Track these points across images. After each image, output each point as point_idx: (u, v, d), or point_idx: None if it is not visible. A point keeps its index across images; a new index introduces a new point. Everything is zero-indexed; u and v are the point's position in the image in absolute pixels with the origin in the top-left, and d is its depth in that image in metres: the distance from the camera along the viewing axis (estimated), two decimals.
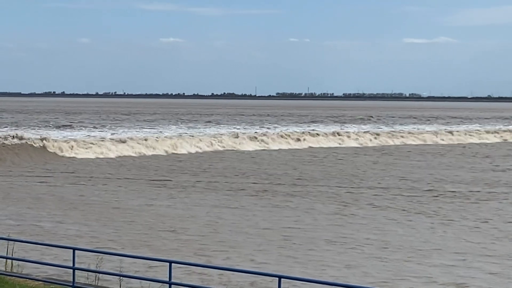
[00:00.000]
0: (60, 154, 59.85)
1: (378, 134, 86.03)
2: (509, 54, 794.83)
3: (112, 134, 77.25)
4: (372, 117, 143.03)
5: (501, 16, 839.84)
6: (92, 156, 60.58)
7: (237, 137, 75.59)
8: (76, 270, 15.94)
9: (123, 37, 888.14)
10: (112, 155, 61.30)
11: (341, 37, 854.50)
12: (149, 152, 63.91)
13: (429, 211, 33.41)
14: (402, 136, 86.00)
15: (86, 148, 62.51)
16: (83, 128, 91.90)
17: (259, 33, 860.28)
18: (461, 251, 24.80)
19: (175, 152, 65.43)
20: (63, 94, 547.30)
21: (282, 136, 78.77)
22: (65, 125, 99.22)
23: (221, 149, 70.00)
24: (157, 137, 70.73)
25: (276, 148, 73.17)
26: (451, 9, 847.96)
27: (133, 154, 62.46)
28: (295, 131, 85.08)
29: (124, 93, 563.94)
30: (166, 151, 64.92)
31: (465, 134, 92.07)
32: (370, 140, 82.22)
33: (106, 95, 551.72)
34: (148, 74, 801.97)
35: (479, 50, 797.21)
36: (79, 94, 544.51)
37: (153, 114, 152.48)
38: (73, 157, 59.20)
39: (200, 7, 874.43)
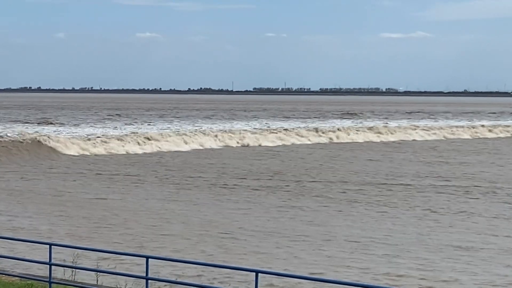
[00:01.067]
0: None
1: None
2: (485, 49, 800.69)
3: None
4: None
5: (477, 11, 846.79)
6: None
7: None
8: (52, 266, 15.88)
9: (99, 32, 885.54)
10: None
11: (318, 32, 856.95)
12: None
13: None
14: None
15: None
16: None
17: (236, 28, 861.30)
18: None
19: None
20: (39, 90, 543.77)
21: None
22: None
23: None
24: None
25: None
26: (427, 3, 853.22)
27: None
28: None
29: (101, 88, 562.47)
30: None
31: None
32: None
33: (82, 90, 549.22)
34: (124, 69, 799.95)
35: (456, 44, 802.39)
36: (55, 90, 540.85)
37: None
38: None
39: (176, 2, 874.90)
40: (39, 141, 58.85)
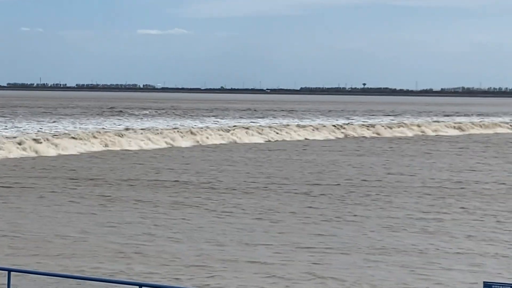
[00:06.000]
0: None
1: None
2: (241, 46, 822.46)
3: None
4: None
5: (233, 8, 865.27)
6: None
7: None
8: None
9: None
10: None
11: (75, 27, 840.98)
12: None
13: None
14: None
15: None
16: None
17: None
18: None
19: None
20: None
21: None
22: None
23: None
24: None
25: None
26: (183, 0, 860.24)
27: None
28: None
29: None
30: None
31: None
32: None
33: None
34: None
35: (212, 41, 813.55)
36: None
37: None
38: None
39: None
40: None
